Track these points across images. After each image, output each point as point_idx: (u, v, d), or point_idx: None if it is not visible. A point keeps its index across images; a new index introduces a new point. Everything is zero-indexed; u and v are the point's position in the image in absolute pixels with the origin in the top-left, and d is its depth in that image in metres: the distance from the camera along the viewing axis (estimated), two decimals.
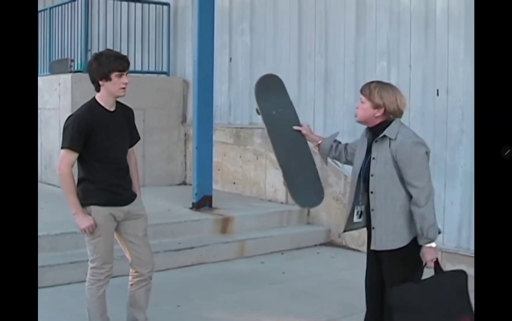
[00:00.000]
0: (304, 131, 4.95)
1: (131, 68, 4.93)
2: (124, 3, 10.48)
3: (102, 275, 4.85)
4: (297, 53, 9.30)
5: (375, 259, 4.47)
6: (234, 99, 10.16)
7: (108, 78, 4.66)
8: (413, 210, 4.18)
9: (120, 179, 4.89)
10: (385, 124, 4.31)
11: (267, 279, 7.13)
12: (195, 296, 6.46)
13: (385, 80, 7.79)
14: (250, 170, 9.87)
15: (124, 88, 4.73)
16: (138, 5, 10.71)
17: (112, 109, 4.81)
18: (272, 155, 9.14)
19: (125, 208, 4.86)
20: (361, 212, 4.50)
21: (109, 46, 10.37)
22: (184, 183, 10.78)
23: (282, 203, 9.37)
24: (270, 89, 4.71)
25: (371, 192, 4.30)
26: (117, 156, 4.88)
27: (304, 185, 4.79)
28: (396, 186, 4.23)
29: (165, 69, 10.93)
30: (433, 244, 4.18)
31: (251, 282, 6.99)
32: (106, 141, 4.74)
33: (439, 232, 4.26)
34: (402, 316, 4.21)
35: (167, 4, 10.90)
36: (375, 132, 4.36)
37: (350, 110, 8.52)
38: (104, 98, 4.74)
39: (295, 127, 4.83)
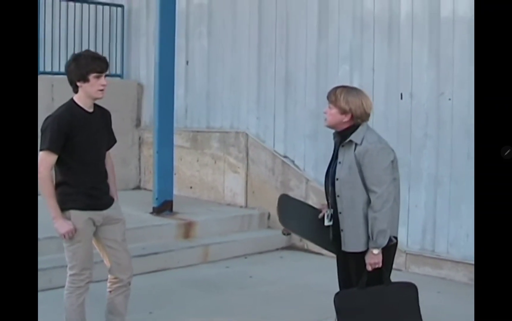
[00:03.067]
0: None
1: None
2: (76, 4, 10.21)
3: (82, 281, 4.71)
4: (257, 56, 9.25)
5: (344, 261, 4.49)
6: (190, 103, 10.04)
7: (86, 80, 4.54)
8: (369, 213, 4.24)
9: (99, 183, 4.77)
10: (352, 128, 4.35)
11: (235, 284, 7.06)
12: (165, 303, 6.34)
13: (348, 84, 7.97)
14: (207, 174, 9.77)
15: (102, 90, 4.63)
16: (91, 6, 10.46)
17: (91, 110, 4.69)
18: (231, 159, 9.15)
19: (104, 212, 4.74)
20: (331, 215, 4.49)
21: (59, 49, 10.14)
22: (138, 187, 10.59)
23: (241, 207, 9.32)
24: (288, 211, 4.70)
25: (338, 196, 4.34)
26: (96, 159, 4.75)
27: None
28: (360, 190, 4.28)
29: (118, 72, 10.72)
30: (376, 251, 4.23)
31: (220, 288, 6.90)
32: (86, 143, 4.62)
33: (392, 241, 4.32)
34: (347, 318, 4.31)
35: (121, 6, 10.70)
36: (342, 136, 4.40)
37: (312, 114, 8.56)
38: (82, 99, 4.62)
39: (320, 216, 4.64)
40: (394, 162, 4.39)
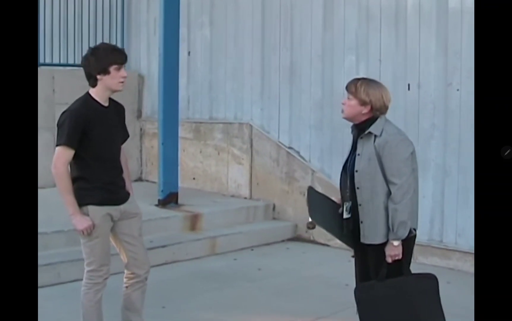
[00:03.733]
0: None
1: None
2: None
3: (100, 278, 4.66)
4: (260, 47, 9.20)
5: (363, 253, 4.48)
6: (193, 94, 9.98)
7: (106, 72, 4.48)
8: (388, 205, 4.24)
9: (115, 177, 4.73)
10: (370, 121, 4.35)
11: (244, 276, 7.04)
12: (177, 297, 6.32)
13: (354, 75, 7.95)
14: (211, 165, 9.73)
15: (122, 82, 4.57)
16: None
17: (106, 104, 4.64)
18: (234, 150, 9.12)
19: (121, 207, 4.69)
20: (350, 208, 4.47)
21: (59, 40, 10.07)
22: (140, 179, 10.54)
23: (245, 198, 9.29)
24: (315, 204, 4.65)
25: (357, 188, 4.33)
26: (113, 154, 4.71)
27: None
28: (380, 182, 4.28)
29: None
30: (396, 243, 4.23)
31: (230, 280, 6.89)
32: (102, 138, 4.57)
33: (412, 233, 4.33)
34: (367, 310, 4.35)
35: None
36: (361, 128, 4.39)
37: (317, 104, 8.54)
38: (100, 93, 4.55)
39: (341, 210, 4.58)
40: (413, 154, 4.39)
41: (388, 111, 7.62)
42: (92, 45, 9.41)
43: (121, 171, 4.79)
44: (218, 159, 9.64)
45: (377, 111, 4.37)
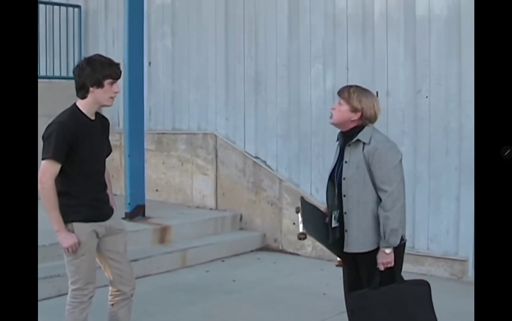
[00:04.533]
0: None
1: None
2: None
3: (85, 296, 4.51)
4: (224, 57, 9.15)
5: (352, 262, 4.46)
6: (154, 105, 9.86)
7: (100, 85, 4.35)
8: (379, 212, 4.23)
9: (100, 193, 4.60)
10: (358, 128, 4.35)
11: (220, 288, 6.95)
12: (156, 311, 6.19)
13: (321, 84, 7.97)
14: (174, 177, 9.62)
15: (113, 97, 4.46)
16: (46, 6, 10.12)
17: (93, 118, 4.50)
18: (199, 161, 9.04)
19: (106, 223, 4.57)
20: (338, 216, 4.45)
21: None
22: None
23: (211, 209, 9.22)
24: (306, 214, 4.53)
25: (344, 195, 4.32)
26: (98, 169, 4.59)
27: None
28: (368, 189, 4.27)
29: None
30: (388, 250, 4.23)
31: (206, 293, 6.78)
32: (88, 152, 4.43)
33: (403, 240, 4.34)
34: (360, 319, 4.32)
35: (78, 6, 10.43)
36: (348, 136, 4.38)
37: (284, 114, 8.53)
38: (89, 106, 4.42)
39: (328, 219, 4.52)
40: (401, 161, 4.39)
41: None
42: (43, 56, 9.26)
43: (105, 186, 4.67)
44: (182, 170, 9.54)
45: (366, 120, 4.36)
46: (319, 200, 8.20)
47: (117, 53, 9.22)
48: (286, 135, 8.58)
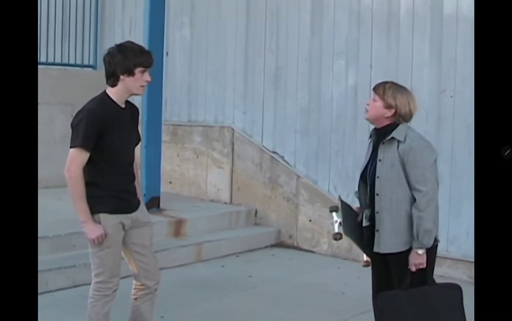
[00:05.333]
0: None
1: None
2: None
3: (109, 289, 4.40)
4: (244, 50, 9.04)
5: (383, 263, 4.36)
6: (170, 95, 9.73)
7: (131, 73, 4.23)
8: (413, 212, 4.14)
9: (128, 184, 4.48)
10: (392, 126, 4.26)
11: (237, 284, 6.84)
12: (173, 306, 6.06)
13: (343, 80, 7.86)
14: (189, 169, 9.51)
15: (144, 86, 4.35)
16: None
17: (123, 106, 4.39)
18: (215, 154, 8.93)
19: (134, 215, 4.45)
20: (369, 216, 4.37)
21: None
22: None
23: (226, 203, 9.11)
24: (344, 215, 4.45)
25: (377, 194, 4.24)
26: (127, 159, 4.46)
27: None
28: (402, 188, 4.19)
29: (91, 63, 10.33)
30: (421, 251, 4.13)
31: (223, 288, 6.68)
32: (118, 142, 4.31)
33: (436, 241, 4.24)
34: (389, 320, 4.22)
35: None
36: (382, 133, 4.30)
37: (303, 110, 8.42)
38: (119, 94, 4.30)
39: (359, 219, 4.47)
40: (436, 161, 4.29)
41: None
42: (59, 43, 9.15)
43: (134, 177, 4.54)
44: (196, 163, 9.43)
45: (400, 118, 4.27)
46: (336, 197, 8.12)
47: (143, 42, 9.13)
48: (305, 132, 8.46)
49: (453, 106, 7.23)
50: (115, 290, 4.44)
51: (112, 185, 4.31)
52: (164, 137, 9.49)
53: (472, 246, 7.07)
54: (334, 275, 7.35)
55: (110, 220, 4.30)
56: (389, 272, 4.35)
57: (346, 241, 7.86)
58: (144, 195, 8.03)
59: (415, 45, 7.51)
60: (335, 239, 4.38)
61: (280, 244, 8.57)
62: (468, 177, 7.09)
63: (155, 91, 8.12)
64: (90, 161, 4.24)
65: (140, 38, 9.86)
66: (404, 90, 4.37)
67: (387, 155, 4.22)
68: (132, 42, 4.43)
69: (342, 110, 8.09)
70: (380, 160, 4.24)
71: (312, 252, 8.29)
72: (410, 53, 7.54)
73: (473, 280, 6.97)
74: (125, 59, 4.21)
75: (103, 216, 4.28)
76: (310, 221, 8.30)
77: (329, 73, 8.19)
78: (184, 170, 9.54)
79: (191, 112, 9.61)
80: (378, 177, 4.23)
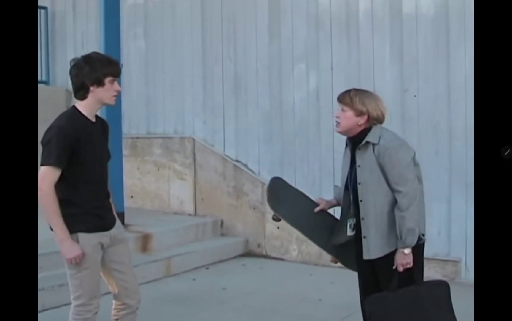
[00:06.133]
0: (324, 207, 4.60)
1: None
2: None
3: (90, 312, 4.24)
4: (201, 59, 8.94)
5: (370, 267, 4.33)
6: (128, 108, 9.51)
7: (101, 84, 4.11)
8: (395, 213, 4.11)
9: (104, 201, 4.34)
10: (366, 131, 4.24)
11: (213, 298, 6.71)
12: None
13: (304, 85, 7.84)
14: (150, 182, 9.36)
15: (116, 96, 4.23)
16: None
17: (94, 120, 4.26)
18: (176, 166, 8.80)
19: (111, 232, 4.31)
20: (354, 225, 4.33)
21: None
22: None
23: (190, 215, 8.99)
24: (279, 195, 4.55)
25: (361, 201, 4.21)
26: (101, 176, 4.32)
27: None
28: (383, 191, 4.16)
29: (44, 78, 10.08)
30: (406, 251, 4.11)
31: (200, 303, 6.54)
32: (91, 158, 4.17)
33: (421, 240, 4.22)
34: None
35: (44, 7, 10.05)
36: (357, 140, 4.26)
37: (265, 116, 8.37)
38: (90, 106, 4.17)
39: (317, 210, 4.54)
40: (414, 158, 4.27)
41: None
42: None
43: (109, 194, 4.42)
44: (158, 175, 9.29)
45: (374, 121, 4.26)
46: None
47: None
48: (268, 139, 8.41)
49: (417, 106, 7.26)
50: (96, 313, 4.28)
51: (88, 202, 4.16)
52: (124, 151, 9.30)
53: (444, 245, 7.17)
54: (308, 282, 7.31)
55: (89, 240, 4.15)
56: (376, 275, 4.31)
57: (316, 247, 7.85)
58: None
59: (376, 46, 7.52)
60: (273, 219, 4.48)
61: (248, 253, 8.49)
62: (435, 177, 7.12)
63: (114, 106, 7.93)
64: (62, 178, 4.06)
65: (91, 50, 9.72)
66: (369, 93, 4.36)
67: (365, 160, 4.18)
68: (98, 53, 4.33)
69: (305, 115, 8.06)
70: (359, 166, 4.21)
71: (282, 259, 8.24)
72: (371, 55, 7.55)
73: (446, 278, 7.06)
74: (93, 70, 4.10)
75: (81, 236, 4.12)
76: (278, 228, 8.24)
77: (290, 78, 8.16)
78: (146, 183, 9.39)
79: (150, 124, 9.47)
80: (359, 183, 4.20)
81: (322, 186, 7.92)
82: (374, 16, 7.51)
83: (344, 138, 4.39)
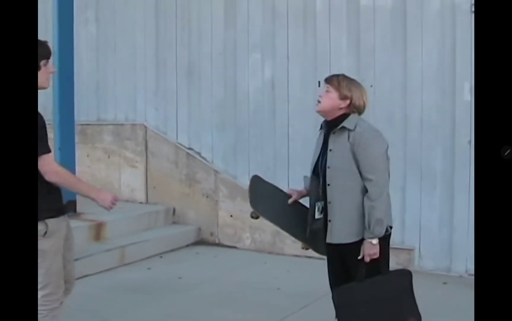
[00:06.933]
0: (296, 198, 4.59)
1: None
2: None
3: (57, 301, 4.15)
4: (154, 45, 8.83)
5: (337, 253, 4.36)
6: (77, 94, 9.20)
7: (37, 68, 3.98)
8: (364, 202, 4.14)
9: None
10: (344, 117, 4.24)
11: (169, 287, 6.65)
12: (109, 315, 5.84)
13: (260, 73, 7.83)
14: (100, 170, 9.21)
15: (49, 77, 4.15)
16: None
17: None
18: (127, 153, 8.70)
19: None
20: (322, 208, 4.35)
21: None
22: None
23: (141, 203, 8.90)
24: (258, 193, 4.53)
25: (328, 184, 4.22)
26: None
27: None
28: (354, 178, 4.17)
29: None
30: (374, 241, 4.13)
31: (156, 292, 6.47)
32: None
33: (388, 231, 4.25)
34: (347, 314, 4.22)
35: None
36: (333, 125, 4.26)
37: (219, 104, 8.33)
38: None
39: (290, 201, 4.54)
40: (387, 151, 4.29)
41: (297, 109, 7.66)
42: None
43: None
44: (108, 163, 9.15)
45: (354, 109, 4.28)
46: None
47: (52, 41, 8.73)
48: (222, 126, 8.37)
49: (373, 96, 7.29)
50: (62, 303, 4.21)
51: (57, 189, 4.13)
52: None
53: (398, 233, 7.24)
54: (264, 271, 7.32)
55: (61, 223, 4.14)
56: (344, 263, 4.33)
57: (269, 235, 7.93)
58: None
59: (333, 37, 7.56)
60: (252, 217, 4.43)
61: (201, 242, 8.45)
62: (390, 166, 7.16)
63: (66, 91, 7.80)
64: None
65: (41, 35, 9.47)
66: (357, 83, 4.38)
67: (338, 145, 4.19)
68: None
69: (260, 104, 8.05)
70: (330, 150, 4.21)
71: (235, 247, 8.23)
72: (327, 45, 7.58)
73: (400, 266, 7.16)
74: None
75: (56, 220, 4.07)
76: (231, 216, 8.23)
77: (245, 66, 8.13)
78: (95, 170, 9.23)
79: (100, 110, 9.31)
80: (329, 167, 4.20)
81: (276, 174, 7.93)
82: (332, 6, 7.53)
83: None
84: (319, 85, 7.61)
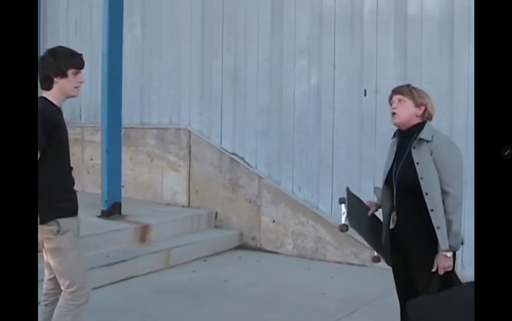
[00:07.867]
0: (375, 210, 4.54)
1: None
2: None
3: (83, 298, 4.22)
4: (200, 50, 8.91)
5: (405, 266, 4.31)
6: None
7: (64, 75, 4.18)
8: None
9: (72, 186, 4.35)
10: (419, 126, 4.22)
11: (216, 290, 6.70)
12: (160, 317, 5.89)
13: (306, 80, 7.87)
14: (143, 173, 9.30)
15: (78, 87, 4.29)
16: None
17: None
18: (170, 157, 8.78)
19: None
20: (396, 220, 4.31)
21: None
22: None
23: (183, 206, 8.96)
24: (351, 206, 4.44)
25: (426, 194, 4.10)
26: (69, 162, 4.36)
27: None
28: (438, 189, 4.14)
29: None
30: (449, 254, 4.09)
31: (204, 295, 6.54)
32: (65, 145, 4.27)
33: (462, 243, 4.23)
34: None
35: None
36: (407, 135, 4.24)
37: (264, 109, 8.37)
38: (56, 97, 4.23)
39: (369, 213, 4.50)
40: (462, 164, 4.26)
41: (341, 116, 7.70)
42: None
43: (74, 181, 4.40)
44: (151, 166, 9.24)
45: (427, 117, 4.27)
46: (302, 198, 8.12)
47: (79, 43, 8.94)
48: (266, 132, 8.42)
49: None
50: (87, 301, 4.26)
51: (63, 188, 4.21)
52: None
53: None
54: (308, 276, 7.35)
55: (68, 223, 4.17)
56: (408, 271, 4.29)
57: (311, 241, 7.96)
58: (106, 201, 7.90)
59: (380, 45, 7.58)
60: (341, 230, 4.36)
61: (242, 246, 8.49)
62: None
63: (115, 95, 7.91)
64: (38, 165, 3.91)
65: (87, 39, 9.63)
66: (423, 90, 4.38)
67: (423, 157, 4.14)
68: (63, 47, 4.41)
69: (305, 110, 8.09)
70: (418, 163, 4.13)
71: (277, 253, 8.26)
72: (374, 53, 7.61)
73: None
74: (56, 61, 4.19)
75: (61, 221, 4.13)
76: (273, 222, 8.27)
77: (291, 72, 8.17)
78: (138, 173, 9.32)
79: (144, 114, 9.41)
80: (422, 178, 4.11)
81: (320, 181, 7.97)
82: (379, 13, 7.56)
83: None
84: (365, 94, 7.67)
